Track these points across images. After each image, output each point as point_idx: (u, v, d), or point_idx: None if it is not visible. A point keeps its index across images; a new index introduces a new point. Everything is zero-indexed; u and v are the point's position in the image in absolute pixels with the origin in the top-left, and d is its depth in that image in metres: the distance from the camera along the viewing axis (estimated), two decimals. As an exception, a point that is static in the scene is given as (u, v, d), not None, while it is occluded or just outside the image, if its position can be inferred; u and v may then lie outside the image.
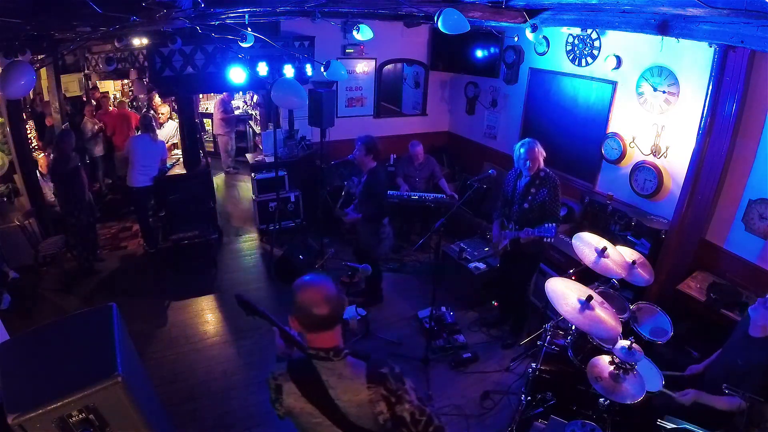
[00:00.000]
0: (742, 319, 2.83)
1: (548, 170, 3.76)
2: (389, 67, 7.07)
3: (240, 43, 4.49)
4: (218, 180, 7.97)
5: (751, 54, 3.36)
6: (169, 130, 7.45)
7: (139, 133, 5.70)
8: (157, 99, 7.97)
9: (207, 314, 4.67)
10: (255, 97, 8.48)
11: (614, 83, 4.70)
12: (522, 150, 3.70)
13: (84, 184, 5.16)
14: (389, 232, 4.43)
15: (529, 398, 3.14)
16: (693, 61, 3.92)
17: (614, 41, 4.64)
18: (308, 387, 1.57)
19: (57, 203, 5.42)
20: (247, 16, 3.81)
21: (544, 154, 3.72)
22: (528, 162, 3.69)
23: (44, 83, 6.50)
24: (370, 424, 1.55)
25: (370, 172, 4.19)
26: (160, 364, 3.94)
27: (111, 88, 8.81)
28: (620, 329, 2.68)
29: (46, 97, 6.55)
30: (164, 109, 7.79)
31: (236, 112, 8.61)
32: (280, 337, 1.88)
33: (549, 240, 3.54)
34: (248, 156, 6.68)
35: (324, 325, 1.56)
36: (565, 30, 5.02)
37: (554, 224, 3.53)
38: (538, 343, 3.34)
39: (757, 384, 2.47)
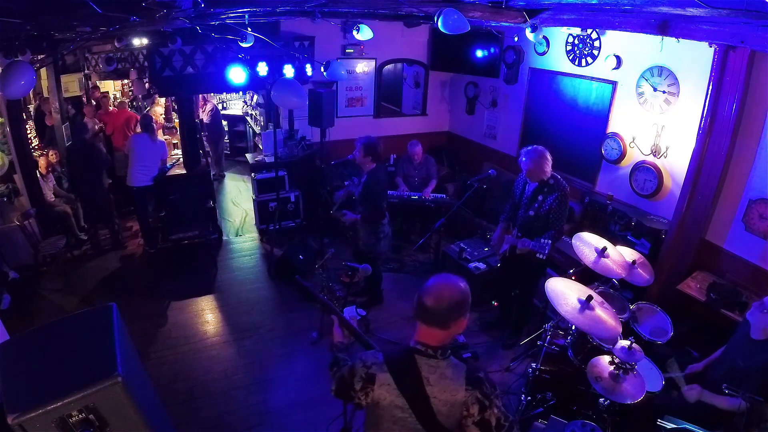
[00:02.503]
0: (742, 323, 2.84)
1: (559, 177, 3.63)
2: (389, 67, 7.07)
3: (240, 43, 4.50)
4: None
5: (751, 54, 3.36)
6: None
7: (139, 132, 5.70)
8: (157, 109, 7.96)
9: (207, 314, 4.67)
10: (255, 97, 8.48)
11: (614, 83, 4.70)
12: (524, 158, 3.59)
13: (99, 159, 5.54)
14: (388, 232, 4.42)
15: (529, 398, 3.14)
16: (693, 61, 3.92)
17: (614, 41, 4.65)
18: (405, 381, 1.57)
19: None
20: (247, 16, 3.81)
21: (550, 162, 3.57)
22: (524, 172, 3.64)
23: (44, 83, 6.50)
24: (452, 425, 1.57)
25: (369, 174, 4.18)
26: (160, 364, 3.93)
27: (111, 88, 8.80)
28: (620, 329, 2.68)
29: (46, 95, 6.56)
30: (159, 109, 7.77)
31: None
32: (338, 326, 1.88)
33: (541, 257, 3.44)
34: (248, 156, 6.69)
35: (424, 317, 1.56)
36: (565, 30, 5.03)
37: (549, 241, 3.41)
38: (538, 343, 3.33)
39: (757, 385, 2.47)
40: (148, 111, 7.65)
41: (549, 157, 3.57)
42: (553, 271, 4.30)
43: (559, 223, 3.60)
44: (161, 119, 7.58)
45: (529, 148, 3.62)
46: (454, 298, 1.55)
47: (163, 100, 8.19)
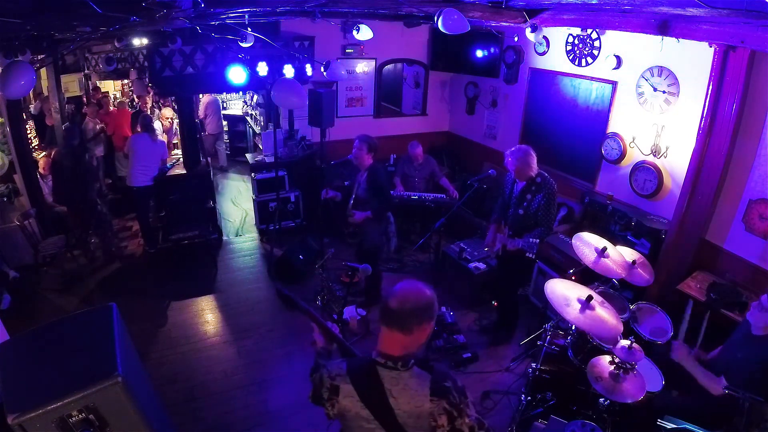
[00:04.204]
0: (743, 322, 2.84)
1: (546, 175, 3.69)
2: (389, 67, 7.07)
3: (240, 43, 4.50)
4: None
5: (751, 54, 3.36)
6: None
7: (139, 132, 5.69)
8: (153, 106, 7.94)
9: (207, 314, 4.67)
10: (255, 97, 8.48)
11: (614, 83, 4.70)
12: (510, 159, 3.66)
13: (90, 171, 5.38)
14: (394, 231, 4.42)
15: (529, 398, 3.14)
16: (693, 61, 3.91)
17: (614, 41, 4.64)
18: (368, 393, 1.54)
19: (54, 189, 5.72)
20: (247, 16, 3.82)
21: (535, 158, 3.63)
22: (512, 172, 3.70)
23: (44, 83, 6.50)
24: None
25: (370, 169, 4.18)
26: (160, 364, 3.93)
27: (111, 88, 8.81)
28: (621, 329, 2.68)
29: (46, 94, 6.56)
30: (168, 112, 7.79)
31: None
32: (319, 333, 1.88)
33: (530, 255, 3.55)
34: (248, 156, 6.69)
35: (388, 320, 1.51)
36: (565, 30, 5.03)
37: (537, 240, 3.51)
38: (538, 343, 3.33)
39: (755, 379, 2.48)
40: (136, 112, 7.65)
41: (533, 153, 3.65)
42: (553, 271, 4.31)
43: (548, 221, 3.65)
44: (167, 122, 7.58)
45: (513, 148, 3.70)
46: (420, 301, 1.51)
47: (150, 102, 8.18)
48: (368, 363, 1.57)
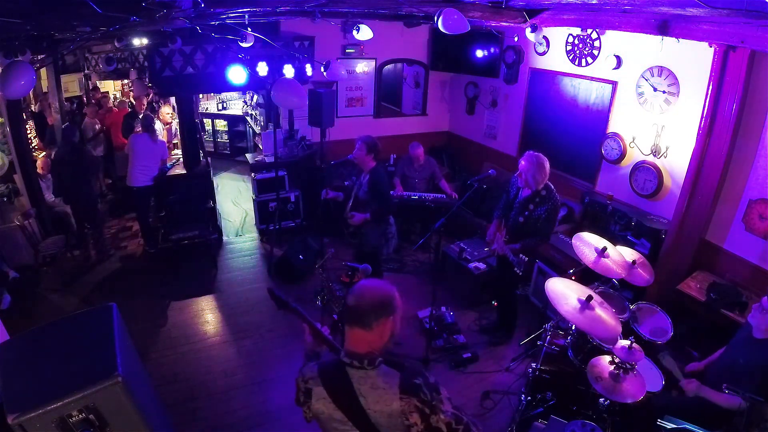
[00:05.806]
0: (744, 324, 2.84)
1: (551, 188, 3.62)
2: (389, 67, 7.07)
3: (240, 43, 4.50)
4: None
5: (751, 54, 3.36)
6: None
7: (140, 131, 5.69)
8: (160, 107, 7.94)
9: (207, 314, 4.67)
10: (255, 97, 8.49)
11: (614, 83, 4.70)
12: (524, 162, 3.58)
13: (93, 164, 5.44)
14: (395, 232, 4.41)
15: (529, 398, 3.14)
16: (693, 61, 3.91)
17: (614, 41, 4.65)
18: (339, 394, 1.54)
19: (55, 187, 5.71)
20: (247, 16, 3.82)
21: (546, 173, 3.55)
22: (521, 180, 3.65)
23: (44, 83, 6.50)
24: None
25: (372, 172, 4.15)
26: (160, 364, 3.93)
27: (111, 88, 8.82)
28: (620, 329, 2.68)
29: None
30: (167, 109, 7.80)
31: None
32: (309, 334, 1.87)
33: (518, 271, 3.56)
34: (248, 156, 6.69)
35: (348, 318, 1.54)
36: (565, 30, 5.03)
37: (526, 259, 3.51)
38: (538, 343, 3.34)
39: (757, 383, 2.47)
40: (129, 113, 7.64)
41: (546, 168, 3.54)
42: (553, 271, 4.30)
43: (546, 231, 3.65)
44: (167, 117, 7.58)
45: (531, 152, 3.61)
46: (375, 297, 1.54)
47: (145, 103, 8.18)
48: (337, 364, 1.57)
